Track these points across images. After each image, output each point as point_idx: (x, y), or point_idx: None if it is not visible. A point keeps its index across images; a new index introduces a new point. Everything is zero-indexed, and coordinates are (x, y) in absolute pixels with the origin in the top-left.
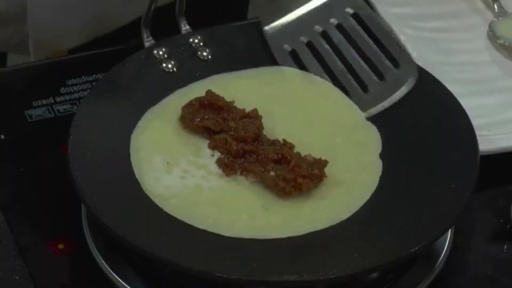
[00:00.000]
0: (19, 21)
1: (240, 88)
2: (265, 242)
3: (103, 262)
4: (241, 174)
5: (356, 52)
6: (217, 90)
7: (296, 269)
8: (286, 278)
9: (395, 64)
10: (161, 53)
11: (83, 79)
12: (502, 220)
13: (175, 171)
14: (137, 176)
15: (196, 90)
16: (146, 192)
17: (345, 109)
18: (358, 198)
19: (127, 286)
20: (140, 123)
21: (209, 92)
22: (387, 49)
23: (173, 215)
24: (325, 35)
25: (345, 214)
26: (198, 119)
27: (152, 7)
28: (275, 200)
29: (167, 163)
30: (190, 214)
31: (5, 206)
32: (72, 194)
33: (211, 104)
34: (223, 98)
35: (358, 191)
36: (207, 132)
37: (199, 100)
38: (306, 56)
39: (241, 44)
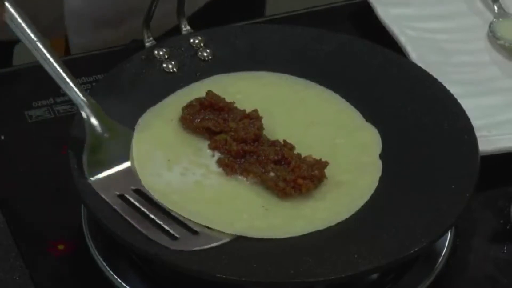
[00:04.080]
0: None
1: (241, 89)
2: (265, 242)
3: (103, 262)
4: (241, 174)
5: None
6: (217, 91)
7: (296, 269)
8: (286, 278)
9: None
10: (161, 53)
11: (83, 79)
12: (502, 221)
13: (175, 168)
14: (138, 171)
15: (196, 90)
16: (147, 188)
17: (345, 110)
18: (358, 199)
19: (127, 286)
20: (140, 122)
21: (209, 92)
22: None
23: (174, 211)
24: None
25: (345, 215)
26: (198, 120)
27: (154, 7)
28: (275, 201)
29: (168, 160)
30: (191, 210)
31: (5, 206)
32: (72, 194)
33: (212, 105)
34: (223, 98)
35: (358, 192)
36: (208, 132)
37: (199, 100)
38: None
39: (241, 44)
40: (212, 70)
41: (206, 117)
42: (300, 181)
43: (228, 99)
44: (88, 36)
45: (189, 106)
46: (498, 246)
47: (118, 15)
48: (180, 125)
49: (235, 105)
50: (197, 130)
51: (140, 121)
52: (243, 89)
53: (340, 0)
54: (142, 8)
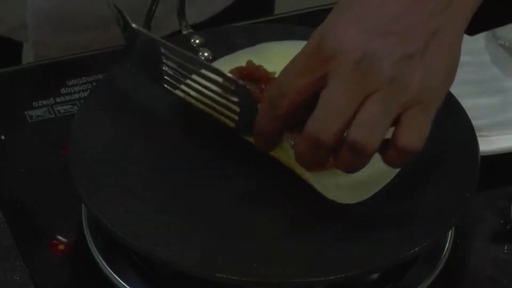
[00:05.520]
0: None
1: (286, 58)
2: (265, 242)
3: (103, 262)
4: None
5: None
6: (260, 60)
7: (296, 269)
8: (286, 278)
9: None
10: None
11: (83, 79)
12: (502, 221)
13: None
14: None
15: (243, 57)
16: None
17: None
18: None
19: (127, 286)
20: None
21: (249, 62)
22: None
23: None
24: None
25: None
26: None
27: (154, 8)
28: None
29: None
30: None
31: (5, 206)
32: (72, 194)
33: (250, 74)
34: (263, 69)
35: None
36: None
37: (239, 70)
38: None
39: (242, 44)
40: None
41: None
42: None
43: (270, 68)
44: (48, 37)
45: None
46: (498, 246)
47: (82, 21)
48: None
49: (276, 75)
50: None
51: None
52: (288, 58)
53: None
54: (107, 19)
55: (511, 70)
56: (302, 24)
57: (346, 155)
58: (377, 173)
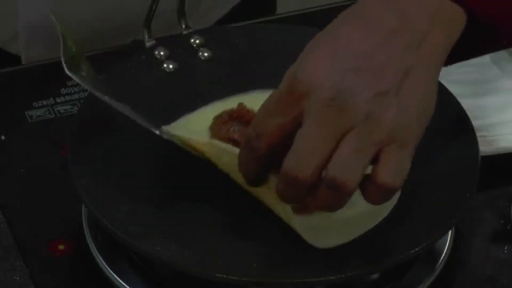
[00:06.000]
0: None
1: None
2: (266, 243)
3: (103, 262)
4: None
5: None
6: (253, 105)
7: (296, 269)
8: (286, 279)
9: None
10: (161, 53)
11: None
12: (502, 221)
13: None
14: None
15: (233, 102)
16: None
17: None
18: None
19: (127, 286)
20: (174, 125)
21: (240, 105)
22: None
23: None
24: None
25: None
26: (225, 130)
27: (154, 8)
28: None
29: None
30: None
31: (5, 206)
32: (72, 194)
33: (240, 117)
34: (252, 112)
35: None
36: (233, 143)
37: (229, 112)
38: None
39: (241, 44)
40: (212, 70)
41: (232, 128)
42: None
43: None
44: (40, 50)
45: (219, 117)
46: (498, 246)
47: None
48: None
49: None
50: (224, 140)
51: (173, 124)
52: None
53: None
54: (102, 32)
55: (511, 70)
56: (303, 24)
57: (325, 193)
58: (361, 214)
